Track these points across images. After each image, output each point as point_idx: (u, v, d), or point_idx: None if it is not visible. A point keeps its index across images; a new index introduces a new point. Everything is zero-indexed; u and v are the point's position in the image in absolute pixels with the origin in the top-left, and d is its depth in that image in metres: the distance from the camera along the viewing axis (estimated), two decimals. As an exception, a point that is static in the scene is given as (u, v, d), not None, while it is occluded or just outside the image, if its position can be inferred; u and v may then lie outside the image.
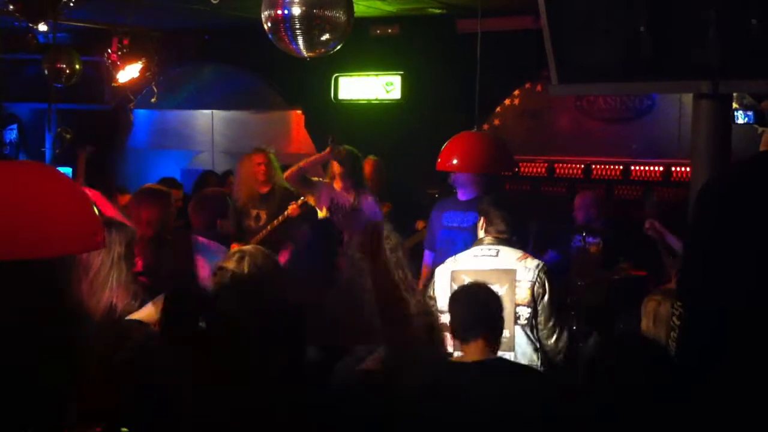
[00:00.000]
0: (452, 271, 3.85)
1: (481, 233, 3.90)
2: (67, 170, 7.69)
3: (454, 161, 4.56)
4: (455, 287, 3.78)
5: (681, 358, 2.17)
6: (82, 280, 3.18)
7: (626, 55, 2.82)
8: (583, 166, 7.44)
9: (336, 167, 5.35)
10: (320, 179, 5.51)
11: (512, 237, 3.82)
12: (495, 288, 3.43)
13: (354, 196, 5.31)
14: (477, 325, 2.93)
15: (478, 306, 2.99)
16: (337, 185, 5.34)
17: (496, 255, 3.77)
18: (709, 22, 2.59)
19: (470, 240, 4.19)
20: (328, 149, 5.23)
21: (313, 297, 3.70)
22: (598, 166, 7.37)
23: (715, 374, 1.99)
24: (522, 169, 7.52)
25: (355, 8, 3.82)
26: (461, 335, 2.95)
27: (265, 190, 5.77)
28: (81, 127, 8.77)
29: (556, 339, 3.68)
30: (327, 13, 3.61)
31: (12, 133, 9.88)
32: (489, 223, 3.87)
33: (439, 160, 4.60)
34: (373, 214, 5.15)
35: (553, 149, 7.70)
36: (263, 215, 5.61)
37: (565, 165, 7.52)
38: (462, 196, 4.92)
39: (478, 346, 2.90)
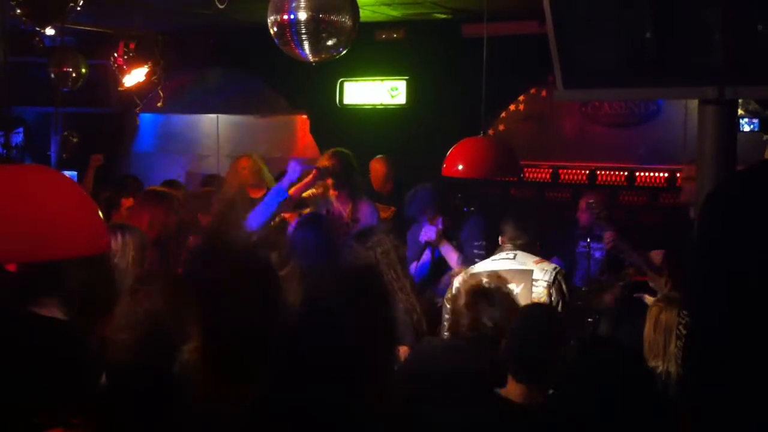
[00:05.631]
0: (471, 275, 3.92)
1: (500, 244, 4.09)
2: (72, 174, 7.71)
3: (460, 167, 4.56)
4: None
5: (687, 367, 2.17)
6: None
7: (632, 60, 2.82)
8: (587, 171, 7.43)
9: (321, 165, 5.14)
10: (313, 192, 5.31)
11: (528, 243, 3.92)
12: (511, 287, 3.49)
13: (350, 206, 5.14)
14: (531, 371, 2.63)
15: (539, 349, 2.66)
16: (332, 195, 5.19)
17: (514, 258, 3.92)
18: (714, 28, 2.59)
19: None
20: (311, 175, 5.06)
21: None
22: (602, 172, 7.37)
23: (720, 384, 1.98)
24: (526, 174, 7.51)
25: (361, 13, 3.82)
26: (512, 372, 2.66)
27: (257, 194, 5.81)
28: (87, 130, 8.78)
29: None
30: (333, 17, 3.61)
31: (18, 137, 9.90)
32: (503, 233, 3.99)
33: (444, 165, 4.60)
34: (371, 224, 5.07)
35: (558, 155, 7.70)
36: None
37: (569, 171, 7.51)
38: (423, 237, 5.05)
39: (523, 387, 2.62)
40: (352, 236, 3.97)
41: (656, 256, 4.91)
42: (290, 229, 4.76)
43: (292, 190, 5.19)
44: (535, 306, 3.06)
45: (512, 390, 2.62)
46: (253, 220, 4.51)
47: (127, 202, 5.79)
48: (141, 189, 6.22)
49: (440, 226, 4.90)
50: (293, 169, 4.65)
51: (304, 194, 5.23)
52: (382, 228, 4.03)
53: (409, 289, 3.63)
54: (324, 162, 5.18)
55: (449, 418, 2.53)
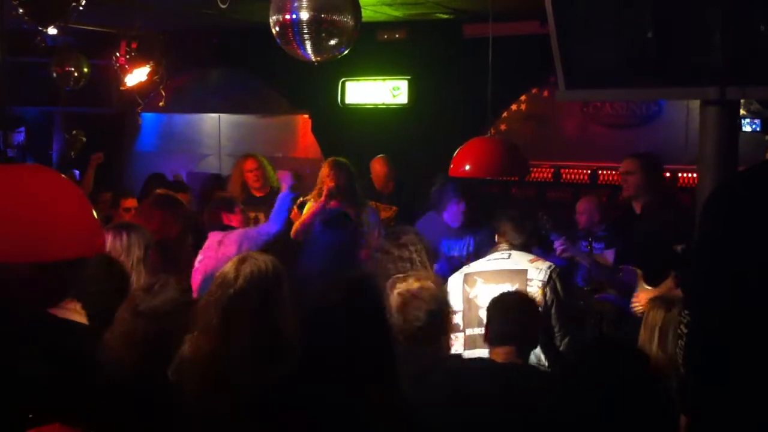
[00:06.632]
0: (465, 274, 3.95)
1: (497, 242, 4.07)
2: (74, 172, 7.72)
3: (467, 167, 4.53)
4: (468, 289, 3.87)
5: (687, 366, 2.16)
6: None
7: (633, 60, 2.81)
8: (589, 171, 7.42)
9: (330, 186, 5.25)
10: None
11: (525, 243, 3.92)
12: (506, 287, 3.52)
13: (354, 213, 5.22)
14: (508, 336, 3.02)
15: (512, 317, 3.06)
16: (333, 204, 5.25)
17: (508, 258, 3.90)
18: (716, 29, 2.58)
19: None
20: (323, 197, 5.20)
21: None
22: (604, 172, 7.35)
23: (720, 384, 1.98)
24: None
25: (362, 13, 3.82)
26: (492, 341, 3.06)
27: (261, 193, 5.86)
28: (88, 130, 8.78)
29: (560, 343, 3.74)
30: (335, 17, 3.61)
31: (20, 136, 9.90)
32: (501, 233, 3.99)
33: (452, 165, 4.58)
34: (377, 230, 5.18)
35: (560, 154, 7.69)
36: (261, 217, 5.64)
37: (571, 170, 7.50)
38: (452, 222, 5.09)
39: (505, 351, 3.00)
40: (384, 235, 4.05)
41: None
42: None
43: (307, 214, 5.30)
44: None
45: (496, 354, 3.02)
46: (271, 226, 4.74)
47: (126, 202, 5.80)
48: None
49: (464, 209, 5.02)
50: (286, 180, 4.92)
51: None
52: (414, 228, 4.12)
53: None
54: (327, 177, 5.26)
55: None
